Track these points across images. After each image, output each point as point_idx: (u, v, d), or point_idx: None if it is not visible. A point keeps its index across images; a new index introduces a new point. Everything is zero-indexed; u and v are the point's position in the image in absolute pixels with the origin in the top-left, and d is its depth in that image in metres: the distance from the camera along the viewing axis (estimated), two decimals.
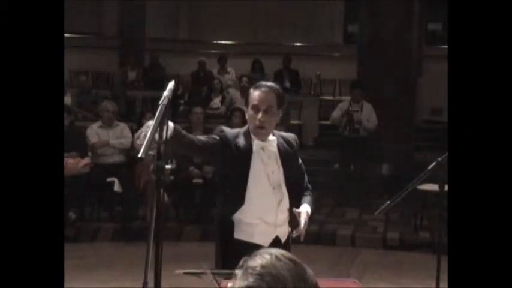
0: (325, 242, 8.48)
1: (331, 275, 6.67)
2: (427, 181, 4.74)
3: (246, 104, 3.90)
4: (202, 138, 3.87)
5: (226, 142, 3.83)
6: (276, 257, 1.74)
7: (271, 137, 3.89)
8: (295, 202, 3.93)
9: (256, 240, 3.83)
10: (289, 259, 1.74)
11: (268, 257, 1.74)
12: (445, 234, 3.65)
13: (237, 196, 3.83)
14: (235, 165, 3.82)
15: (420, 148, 11.09)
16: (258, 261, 1.73)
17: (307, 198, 4.01)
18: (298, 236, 3.93)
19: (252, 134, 3.85)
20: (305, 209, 3.89)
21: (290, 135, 4.06)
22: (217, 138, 3.85)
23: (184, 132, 3.71)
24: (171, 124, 3.47)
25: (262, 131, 3.82)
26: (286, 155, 3.91)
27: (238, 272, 1.74)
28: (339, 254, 8.23)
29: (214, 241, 4.01)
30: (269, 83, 3.93)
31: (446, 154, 3.88)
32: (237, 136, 3.87)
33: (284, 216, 3.90)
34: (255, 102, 3.79)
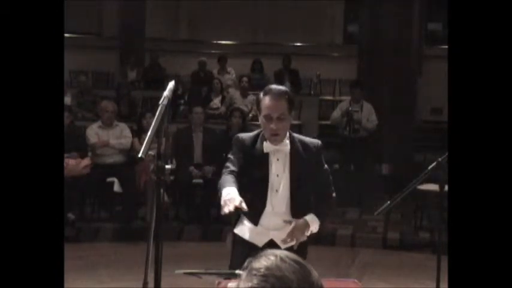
0: (325, 242, 8.47)
1: (331, 275, 6.65)
2: (427, 181, 4.74)
3: (258, 108, 3.87)
4: (234, 167, 3.83)
5: (244, 150, 3.86)
6: (281, 258, 1.73)
7: (285, 140, 3.87)
8: (300, 208, 3.87)
9: (249, 238, 3.89)
10: (295, 261, 1.73)
11: (273, 258, 1.73)
12: (445, 234, 3.65)
13: (261, 200, 3.85)
14: (254, 170, 3.80)
15: (420, 148, 11.08)
16: (262, 262, 1.72)
17: (318, 209, 3.92)
18: None
19: (266, 138, 3.85)
20: (305, 220, 3.83)
21: (312, 141, 3.99)
22: (232, 158, 3.86)
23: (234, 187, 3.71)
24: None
25: (276, 138, 3.82)
26: (297, 160, 3.87)
27: (243, 273, 1.74)
28: (339, 254, 8.23)
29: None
30: (279, 87, 3.89)
31: (446, 154, 3.87)
32: (254, 141, 3.87)
33: (279, 221, 3.84)
34: (267, 112, 3.77)
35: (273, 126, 3.76)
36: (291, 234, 3.78)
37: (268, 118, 3.77)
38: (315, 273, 1.74)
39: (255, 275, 1.70)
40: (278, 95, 3.79)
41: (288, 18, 15.74)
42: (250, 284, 1.69)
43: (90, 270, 7.30)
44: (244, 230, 3.93)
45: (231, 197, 3.59)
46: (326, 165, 4.02)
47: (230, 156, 3.91)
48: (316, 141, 4.01)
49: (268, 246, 3.79)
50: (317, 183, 3.97)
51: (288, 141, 3.88)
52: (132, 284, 6.12)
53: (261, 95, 3.85)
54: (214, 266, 4.41)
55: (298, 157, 3.88)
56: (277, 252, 1.76)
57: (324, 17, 16.10)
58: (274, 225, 3.86)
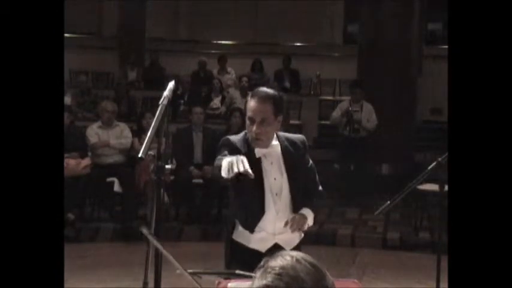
0: (325, 242, 8.48)
1: (331, 275, 6.63)
2: (427, 181, 4.75)
3: (245, 110, 3.85)
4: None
5: (234, 153, 3.75)
6: (297, 259, 1.76)
7: (274, 142, 3.80)
8: (299, 207, 3.84)
9: (252, 245, 3.80)
10: (310, 263, 1.77)
11: (289, 258, 1.76)
12: (445, 234, 3.65)
13: (257, 206, 3.78)
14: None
15: (420, 148, 11.08)
16: (278, 261, 1.76)
17: (311, 203, 3.91)
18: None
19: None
20: (302, 214, 3.81)
21: (298, 137, 3.96)
22: (226, 154, 3.81)
23: None
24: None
25: (258, 142, 3.73)
26: (291, 160, 3.82)
27: (258, 271, 1.76)
28: (339, 254, 8.22)
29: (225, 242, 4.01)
30: (266, 91, 3.78)
31: (446, 154, 3.88)
32: (243, 144, 3.79)
33: (283, 224, 3.80)
34: (250, 114, 3.71)
35: (254, 129, 3.69)
36: (291, 224, 3.74)
37: (251, 120, 3.71)
38: (329, 277, 1.77)
39: (270, 272, 1.73)
40: (263, 98, 3.71)
41: (288, 18, 15.74)
42: (264, 282, 1.72)
43: (90, 270, 7.30)
44: (245, 236, 3.83)
45: (241, 158, 3.43)
46: (311, 161, 4.00)
47: (220, 156, 3.76)
48: (302, 137, 3.99)
49: (271, 251, 3.74)
50: (311, 178, 3.97)
51: (277, 142, 3.82)
52: (132, 284, 6.14)
53: (249, 96, 3.83)
54: (214, 266, 4.42)
55: (291, 157, 3.83)
56: (294, 253, 1.80)
57: (324, 17, 16.11)
58: (278, 229, 3.80)
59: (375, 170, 10.74)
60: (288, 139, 3.89)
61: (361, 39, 11.68)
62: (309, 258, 1.78)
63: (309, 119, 13.20)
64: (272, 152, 3.80)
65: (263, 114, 3.69)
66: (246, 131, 3.84)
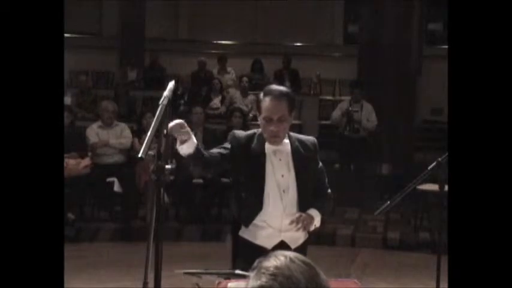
0: (325, 242, 8.48)
1: (331, 275, 6.64)
2: (427, 181, 4.75)
3: (258, 109, 3.82)
4: (216, 152, 3.84)
5: (238, 148, 3.82)
6: (291, 259, 1.77)
7: (285, 140, 3.84)
8: (306, 206, 3.87)
9: (258, 242, 3.82)
10: (303, 262, 1.77)
11: (282, 258, 1.77)
12: (445, 234, 3.66)
13: (255, 201, 3.81)
14: (249, 170, 3.79)
15: (420, 148, 11.09)
16: (272, 262, 1.76)
17: (320, 204, 3.94)
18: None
19: (266, 139, 3.82)
20: (309, 214, 3.84)
21: (309, 139, 4.01)
22: (229, 147, 3.83)
23: (202, 150, 3.74)
24: (194, 140, 3.59)
25: (276, 140, 3.79)
26: (300, 159, 3.85)
27: (252, 272, 1.77)
28: (339, 254, 8.23)
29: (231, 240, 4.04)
30: (280, 89, 3.83)
31: (446, 154, 3.88)
32: (249, 140, 3.84)
33: (289, 222, 3.81)
34: (267, 113, 3.73)
35: (273, 128, 3.73)
36: (297, 222, 3.75)
37: (268, 120, 3.74)
38: (322, 275, 1.77)
39: (264, 273, 1.73)
40: (279, 96, 3.75)
41: (288, 18, 15.73)
42: (259, 282, 1.72)
43: (90, 270, 7.30)
44: (252, 233, 3.86)
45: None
46: (321, 163, 4.04)
47: (216, 149, 3.88)
48: (312, 139, 4.04)
49: (277, 248, 3.75)
50: (316, 180, 3.98)
51: (287, 141, 3.86)
52: (132, 284, 6.13)
53: (261, 95, 3.81)
54: (214, 266, 4.42)
55: (300, 156, 3.87)
56: (287, 253, 1.80)
57: (324, 17, 16.10)
58: (285, 226, 3.81)
59: (375, 170, 10.74)
60: (298, 139, 3.95)
61: (361, 39, 11.68)
62: (302, 257, 1.79)
63: (309, 119, 13.20)
64: (282, 149, 3.84)
65: (280, 113, 3.74)
66: (256, 130, 3.87)
